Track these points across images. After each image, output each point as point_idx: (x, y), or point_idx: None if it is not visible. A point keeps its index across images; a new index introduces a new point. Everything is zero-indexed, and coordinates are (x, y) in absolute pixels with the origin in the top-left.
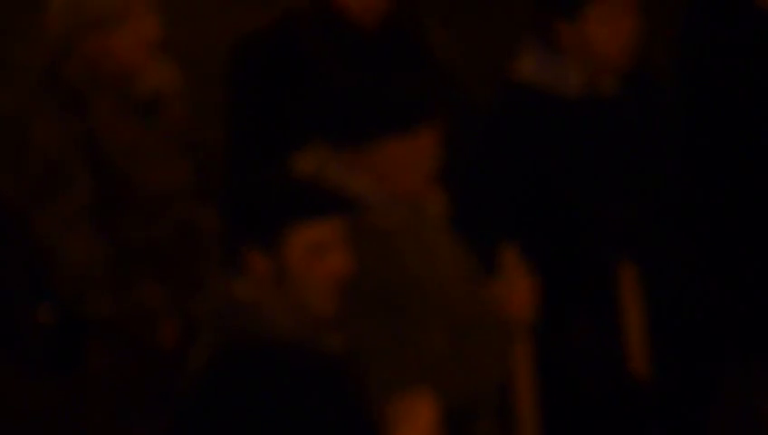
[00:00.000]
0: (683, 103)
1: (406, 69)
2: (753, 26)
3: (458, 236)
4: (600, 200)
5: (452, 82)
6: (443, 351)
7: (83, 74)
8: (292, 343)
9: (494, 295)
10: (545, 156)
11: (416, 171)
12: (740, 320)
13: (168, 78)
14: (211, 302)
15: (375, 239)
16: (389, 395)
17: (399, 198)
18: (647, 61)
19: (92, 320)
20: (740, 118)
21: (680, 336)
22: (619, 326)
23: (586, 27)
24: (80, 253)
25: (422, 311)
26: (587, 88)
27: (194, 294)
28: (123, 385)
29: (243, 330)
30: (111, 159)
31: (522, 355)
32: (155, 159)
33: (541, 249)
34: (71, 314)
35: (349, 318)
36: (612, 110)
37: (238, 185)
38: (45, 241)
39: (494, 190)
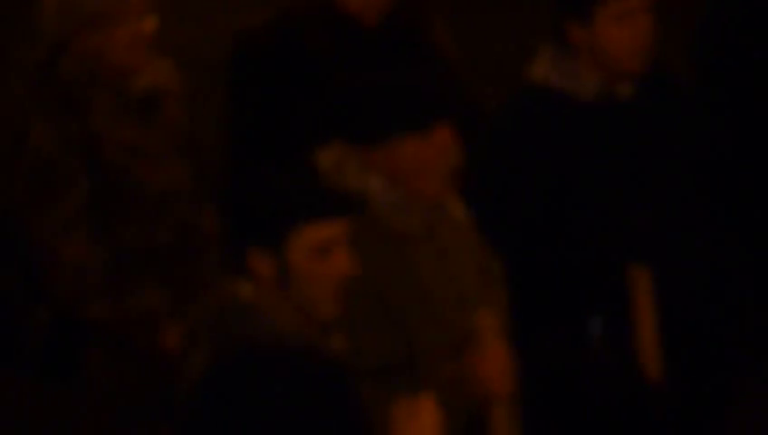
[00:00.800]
0: (702, 104)
1: (411, 66)
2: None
3: (481, 239)
4: (616, 205)
5: (458, 82)
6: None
7: (81, 72)
8: (295, 346)
9: (470, 365)
10: (560, 159)
11: (432, 172)
12: (757, 325)
13: (166, 76)
14: (213, 304)
15: (387, 243)
16: (381, 403)
17: (417, 201)
18: (663, 62)
19: (92, 324)
20: (759, 117)
21: (695, 342)
22: (633, 331)
23: (597, 30)
24: (78, 255)
25: (426, 324)
26: (602, 91)
27: (194, 297)
28: (123, 390)
29: (245, 333)
30: (110, 158)
31: (501, 420)
32: (154, 159)
33: (554, 253)
34: (69, 318)
35: (351, 322)
36: (629, 113)
37: (241, 185)
38: (43, 244)
39: (506, 194)
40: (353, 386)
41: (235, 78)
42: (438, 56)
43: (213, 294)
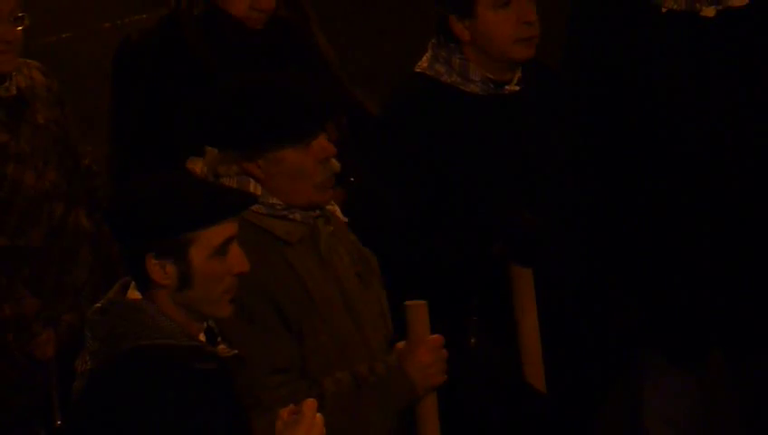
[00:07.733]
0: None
1: (294, 71)
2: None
3: (358, 242)
4: (500, 200)
5: (340, 83)
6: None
7: None
8: (180, 345)
9: (401, 353)
10: (445, 149)
11: (308, 181)
12: (632, 321)
13: (34, 79)
14: (98, 305)
15: (271, 248)
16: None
17: (294, 207)
18: (545, 56)
19: None
20: (629, 119)
21: (569, 340)
22: (514, 331)
23: (480, 21)
24: None
25: (313, 327)
26: (489, 84)
27: (67, 300)
28: None
29: (130, 332)
30: None
31: (429, 407)
32: (25, 162)
33: (435, 248)
34: None
35: (246, 326)
36: (515, 105)
37: (130, 193)
38: None
39: (391, 183)
40: (235, 388)
41: (116, 78)
42: (320, 58)
43: (102, 299)
